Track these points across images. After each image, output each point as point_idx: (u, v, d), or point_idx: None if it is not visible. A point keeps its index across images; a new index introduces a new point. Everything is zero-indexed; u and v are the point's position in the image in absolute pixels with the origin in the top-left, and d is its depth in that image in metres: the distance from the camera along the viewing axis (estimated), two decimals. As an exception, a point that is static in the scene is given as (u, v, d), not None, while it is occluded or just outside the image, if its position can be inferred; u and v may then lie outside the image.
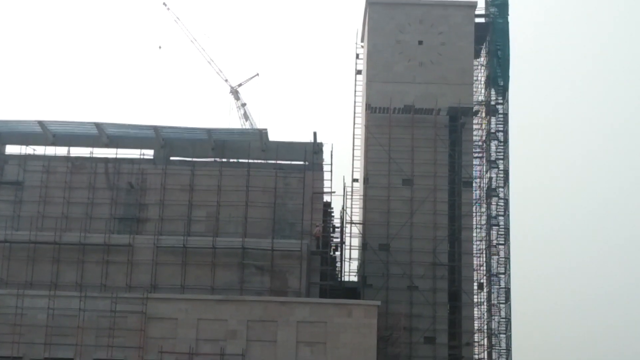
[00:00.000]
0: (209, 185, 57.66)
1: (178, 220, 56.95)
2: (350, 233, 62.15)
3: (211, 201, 57.40)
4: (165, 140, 59.42)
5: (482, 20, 67.31)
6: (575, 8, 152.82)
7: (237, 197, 57.32)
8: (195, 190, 57.74)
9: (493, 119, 66.00)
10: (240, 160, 59.16)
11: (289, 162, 58.98)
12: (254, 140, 59.45)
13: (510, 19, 66.94)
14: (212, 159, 59.25)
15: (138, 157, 59.10)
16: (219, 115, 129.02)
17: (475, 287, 62.49)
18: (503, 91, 66.42)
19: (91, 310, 51.09)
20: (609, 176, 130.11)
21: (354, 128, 66.03)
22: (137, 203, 57.60)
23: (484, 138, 65.99)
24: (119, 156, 58.76)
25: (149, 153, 59.42)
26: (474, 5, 66.48)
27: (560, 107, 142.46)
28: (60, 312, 51.06)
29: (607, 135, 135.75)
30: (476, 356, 61.97)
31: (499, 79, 66.32)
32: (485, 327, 63.26)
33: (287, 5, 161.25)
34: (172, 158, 59.42)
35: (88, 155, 58.98)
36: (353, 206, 62.89)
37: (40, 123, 58.97)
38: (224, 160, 59.18)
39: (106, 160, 58.43)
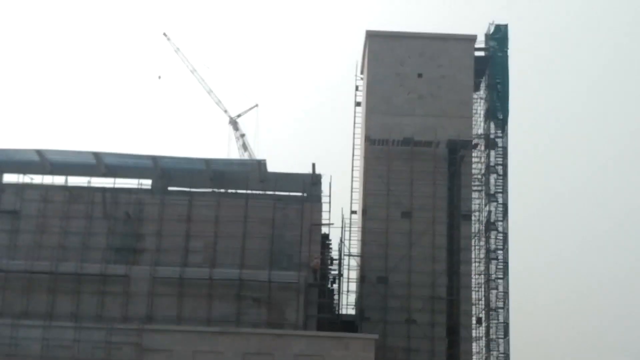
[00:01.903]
0: (207, 215, 57.38)
1: (175, 251, 56.77)
2: (348, 265, 61.95)
3: (209, 232, 57.10)
4: (163, 170, 59.30)
5: (481, 53, 67.54)
6: (575, 42, 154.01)
7: (235, 228, 57.11)
8: (192, 220, 57.40)
9: (492, 152, 66.14)
10: (239, 191, 58.97)
11: (287, 194, 58.80)
12: (252, 171, 59.45)
13: (509, 52, 67.39)
14: (210, 190, 59.05)
15: (136, 187, 58.86)
16: (217, 146, 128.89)
17: (474, 322, 62.27)
18: (502, 124, 66.56)
19: (86, 341, 50.87)
20: (610, 209, 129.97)
21: (352, 160, 66.16)
22: (134, 233, 57.18)
23: (483, 171, 66.02)
24: (116, 186, 58.55)
25: (146, 183, 59.27)
26: (473, 39, 66.67)
27: (560, 141, 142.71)
28: (55, 342, 50.85)
29: (607, 169, 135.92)
30: (474, 391, 61.72)
31: (498, 112, 66.57)
32: (484, 362, 63.44)
33: (287, 36, 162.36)
34: (170, 188, 59.22)
35: (85, 185, 58.90)
36: (351, 238, 62.55)
37: (38, 152, 59.00)
38: (222, 190, 58.97)
39: (104, 190, 58.12)
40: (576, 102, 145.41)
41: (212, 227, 57.31)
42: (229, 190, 59.30)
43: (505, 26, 67.65)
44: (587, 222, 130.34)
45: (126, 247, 57.07)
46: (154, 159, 58.85)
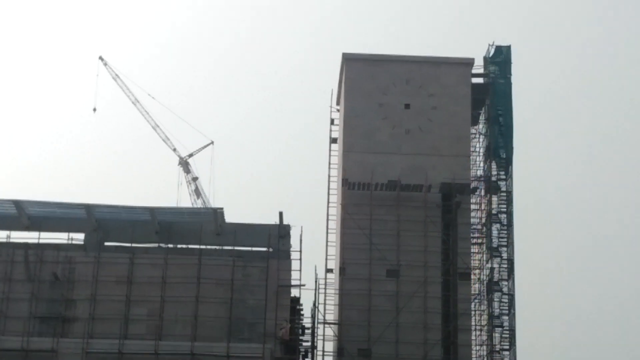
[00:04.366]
0: (152, 276, 57.63)
1: (113, 320, 56.71)
2: (324, 335, 61.87)
3: (154, 296, 57.28)
4: (98, 221, 59.22)
5: (480, 80, 68.25)
6: (589, 65, 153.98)
7: (186, 291, 57.34)
8: (134, 282, 57.61)
9: (494, 198, 66.43)
10: (190, 247, 59.36)
11: (249, 249, 59.13)
12: (207, 222, 59.50)
13: (513, 79, 67.90)
14: (156, 245, 59.38)
15: (65, 242, 59.01)
16: (165, 192, 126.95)
17: (476, 403, 62.81)
18: (506, 165, 67.03)
19: None
20: (635, 263, 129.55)
21: (328, 207, 66.24)
22: (63, 299, 57.16)
23: (483, 221, 66.41)
24: (42, 241, 58.53)
25: (78, 237, 59.33)
26: (470, 63, 67.55)
27: (575, 185, 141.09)
28: None
29: (635, 217, 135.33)
30: None
31: (500, 150, 67.02)
32: None
33: (249, 61, 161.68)
34: (106, 243, 59.27)
35: (4, 240, 58.84)
36: (327, 302, 62.83)
37: (-55, 201, 58.69)
38: (170, 246, 59.34)
39: (26, 246, 58.08)
40: (593, 138, 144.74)
41: (158, 290, 57.33)
42: (179, 246, 59.62)
43: (508, 48, 68.24)
44: (608, 282, 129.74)
45: (53, 315, 56.73)
46: (88, 208, 58.45)
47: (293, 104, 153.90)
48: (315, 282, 61.29)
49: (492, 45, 68.41)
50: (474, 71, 67.69)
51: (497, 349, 63.76)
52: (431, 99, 66.14)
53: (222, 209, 59.26)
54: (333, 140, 69.21)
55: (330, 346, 63.46)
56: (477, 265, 65.61)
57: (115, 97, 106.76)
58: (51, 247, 58.34)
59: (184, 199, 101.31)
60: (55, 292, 57.36)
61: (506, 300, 64.49)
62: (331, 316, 63.78)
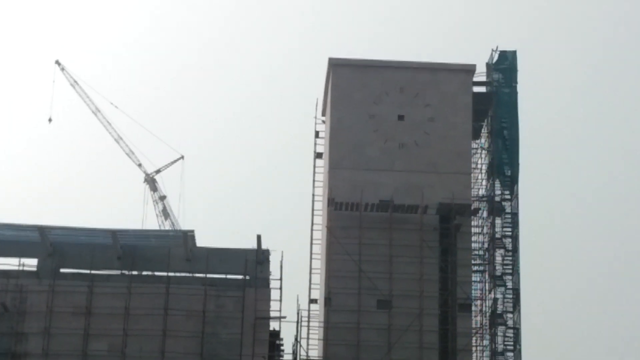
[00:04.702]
0: (113, 307, 57.11)
1: (69, 357, 56.14)
2: (307, 374, 61.00)
3: (116, 329, 56.64)
4: (53, 245, 58.64)
5: (482, 89, 67.22)
6: (604, 73, 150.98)
7: (152, 324, 56.84)
8: (93, 314, 56.96)
9: (498, 220, 65.18)
10: (157, 274, 58.93)
11: (223, 276, 58.85)
12: (175, 246, 59.09)
13: (519, 88, 66.83)
14: (119, 272, 58.77)
15: (16, 268, 58.41)
16: (129, 212, 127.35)
17: None
18: (511, 183, 65.78)
19: None
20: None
21: (311, 230, 64.81)
22: (13, 332, 56.42)
23: (486, 246, 65.28)
24: (-11, 267, 57.68)
25: (31, 263, 58.71)
26: (472, 70, 66.29)
27: (588, 206, 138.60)
28: None
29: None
30: None
31: (505, 167, 65.80)
32: None
33: (223, 66, 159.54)
34: (62, 270, 58.58)
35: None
36: (310, 337, 61.15)
37: None
38: (134, 273, 58.76)
39: (-29, 273, 57.02)
40: (608, 155, 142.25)
41: (120, 323, 56.82)
42: (144, 273, 59.18)
43: (513, 53, 67.21)
44: (623, 312, 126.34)
45: (1, 351, 56.26)
46: (42, 230, 57.87)
47: (273, 114, 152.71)
48: (298, 314, 60.53)
49: (496, 50, 67.41)
50: (475, 79, 66.54)
51: (501, 390, 62.53)
52: (428, 109, 64.70)
53: (192, 231, 58.75)
54: (318, 155, 67.87)
55: (314, 386, 62.59)
56: (478, 295, 64.43)
57: (74, 106, 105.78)
58: (0, 274, 57.90)
59: (150, 220, 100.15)
60: (4, 324, 56.71)
61: (511, 335, 63.36)
62: (315, 352, 62.00)
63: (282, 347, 60.58)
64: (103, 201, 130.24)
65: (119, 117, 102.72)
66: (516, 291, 63.42)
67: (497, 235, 64.29)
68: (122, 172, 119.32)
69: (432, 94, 64.78)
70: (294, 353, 60.07)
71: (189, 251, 58.05)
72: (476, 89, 66.24)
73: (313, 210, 65.12)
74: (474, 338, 62.02)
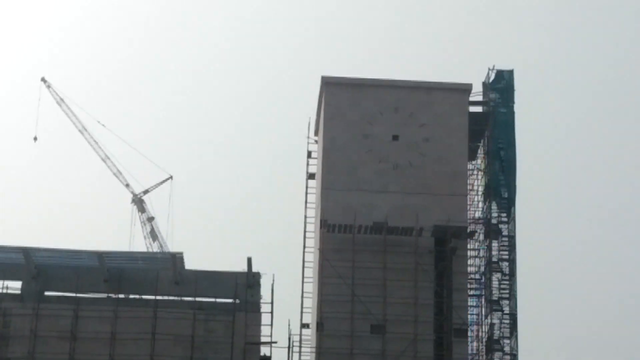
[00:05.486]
0: (99, 332, 57.14)
1: None
2: (299, 402, 61.41)
3: (102, 355, 56.68)
4: (38, 267, 58.59)
5: (478, 109, 67.11)
6: (605, 92, 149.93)
7: (139, 349, 56.89)
8: (79, 338, 56.90)
9: (495, 243, 64.92)
10: (145, 297, 58.80)
11: (212, 300, 58.80)
12: (164, 269, 58.96)
13: (516, 108, 66.72)
14: (105, 295, 58.86)
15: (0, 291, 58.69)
16: (116, 234, 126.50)
17: None
18: (508, 206, 65.55)
19: None
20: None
21: (304, 253, 64.72)
22: None
23: (482, 269, 64.85)
24: (-29, 290, 57.86)
25: (15, 286, 58.83)
26: (468, 89, 66.14)
27: (588, 229, 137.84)
28: None
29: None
30: None
31: (502, 189, 65.54)
32: None
33: (213, 84, 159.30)
34: (47, 293, 58.59)
35: None
36: None
37: None
38: (121, 296, 58.67)
39: (-47, 296, 57.40)
40: (608, 176, 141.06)
41: (106, 348, 56.93)
42: (131, 296, 58.99)
43: (510, 72, 67.04)
44: (624, 340, 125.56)
45: None
46: (26, 252, 57.89)
47: (264, 134, 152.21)
48: (289, 339, 60.42)
49: (493, 69, 67.25)
50: (471, 98, 66.48)
51: (499, 419, 62.13)
52: (423, 129, 64.51)
53: (181, 253, 58.67)
54: (310, 176, 67.90)
55: (306, 414, 62.75)
56: (475, 320, 63.93)
57: (60, 125, 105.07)
58: (-18, 297, 57.25)
59: (137, 242, 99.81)
60: (-14, 349, 56.35)
61: (508, 361, 62.16)
62: (307, 379, 61.12)
63: (273, 374, 59.40)
64: (89, 222, 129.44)
65: (106, 136, 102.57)
66: (513, 316, 63.22)
67: (494, 259, 64.22)
68: (109, 192, 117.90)
69: (427, 114, 64.68)
70: (286, 380, 59.05)
71: (177, 274, 57.98)
72: (472, 108, 66.30)
73: (305, 232, 65.20)
74: (470, 364, 60.22)
